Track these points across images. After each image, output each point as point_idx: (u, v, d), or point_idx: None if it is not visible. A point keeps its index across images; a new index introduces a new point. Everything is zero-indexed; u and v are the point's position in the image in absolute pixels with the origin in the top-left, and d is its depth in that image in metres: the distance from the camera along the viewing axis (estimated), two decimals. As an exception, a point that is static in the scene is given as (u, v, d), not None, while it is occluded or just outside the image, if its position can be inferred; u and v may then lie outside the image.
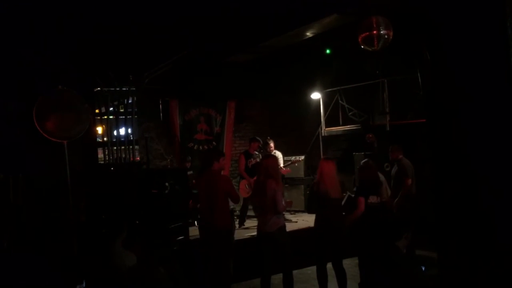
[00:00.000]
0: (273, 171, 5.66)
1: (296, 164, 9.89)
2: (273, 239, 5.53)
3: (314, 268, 5.98)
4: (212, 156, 6.14)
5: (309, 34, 7.96)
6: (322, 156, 9.90)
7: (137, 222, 5.72)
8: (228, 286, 6.00)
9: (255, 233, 7.70)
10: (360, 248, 5.56)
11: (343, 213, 5.78)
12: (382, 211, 5.81)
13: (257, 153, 8.97)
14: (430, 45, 4.66)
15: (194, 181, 8.59)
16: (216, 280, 5.96)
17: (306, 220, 8.77)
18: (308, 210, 5.80)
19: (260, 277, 5.73)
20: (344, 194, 9.18)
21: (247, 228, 8.49)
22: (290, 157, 10.22)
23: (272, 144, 9.26)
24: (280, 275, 5.77)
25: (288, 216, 8.85)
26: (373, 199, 5.78)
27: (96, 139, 8.06)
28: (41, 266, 5.53)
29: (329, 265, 5.82)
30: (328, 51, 10.09)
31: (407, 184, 7.24)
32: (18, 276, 5.31)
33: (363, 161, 7.05)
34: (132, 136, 8.25)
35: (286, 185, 9.56)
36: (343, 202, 6.28)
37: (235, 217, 8.53)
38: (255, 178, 8.69)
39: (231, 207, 8.81)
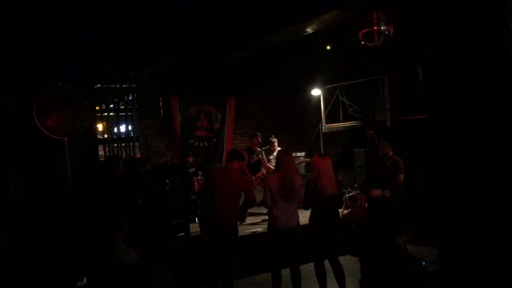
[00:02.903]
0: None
1: (304, 164, 9.90)
2: (294, 233, 5.55)
3: (313, 264, 5.98)
4: (235, 155, 6.11)
5: (309, 30, 7.95)
6: (316, 153, 9.89)
7: (138, 218, 5.72)
8: (230, 283, 6.00)
9: (256, 230, 7.75)
10: (361, 244, 5.57)
11: (339, 209, 5.76)
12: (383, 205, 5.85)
13: (259, 149, 8.97)
14: (431, 41, 4.65)
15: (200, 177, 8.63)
16: (219, 277, 5.95)
17: (305, 217, 8.77)
18: (304, 207, 5.78)
19: (271, 272, 5.70)
20: (344, 191, 9.22)
21: (248, 224, 8.49)
22: (296, 154, 10.16)
23: (275, 142, 9.25)
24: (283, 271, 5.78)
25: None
26: (375, 192, 5.81)
27: (97, 136, 8.06)
28: (41, 263, 5.53)
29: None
30: (328, 47, 10.09)
31: (400, 179, 7.32)
32: (18, 273, 5.30)
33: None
34: (133, 133, 8.26)
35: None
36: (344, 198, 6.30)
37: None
38: (258, 174, 8.78)
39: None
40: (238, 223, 8.26)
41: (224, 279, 5.93)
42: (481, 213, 4.29)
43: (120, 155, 8.07)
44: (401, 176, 7.37)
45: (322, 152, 10.67)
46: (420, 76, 4.94)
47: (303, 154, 10.28)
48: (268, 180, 5.64)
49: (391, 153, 7.59)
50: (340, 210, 6.63)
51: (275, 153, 9.06)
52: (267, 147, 9.25)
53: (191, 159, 9.13)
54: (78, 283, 4.60)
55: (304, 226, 5.87)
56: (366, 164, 9.13)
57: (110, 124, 8.15)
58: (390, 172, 7.45)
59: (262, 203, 6.08)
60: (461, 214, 4.47)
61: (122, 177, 5.83)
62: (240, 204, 8.77)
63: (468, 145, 4.38)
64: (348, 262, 5.96)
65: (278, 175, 5.57)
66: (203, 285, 6.07)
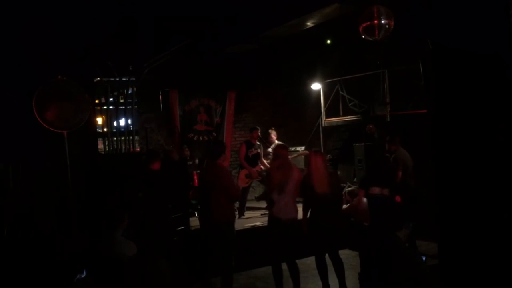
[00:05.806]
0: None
1: (303, 157, 9.90)
2: (291, 225, 5.58)
3: (313, 258, 5.99)
4: (220, 149, 6.08)
5: (310, 24, 7.93)
6: (312, 149, 9.88)
7: (138, 211, 5.72)
8: (229, 277, 6.01)
9: (255, 224, 7.77)
10: (361, 238, 5.57)
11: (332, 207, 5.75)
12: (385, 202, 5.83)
13: (258, 143, 8.96)
14: (432, 35, 4.64)
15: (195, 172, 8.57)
16: (217, 271, 5.97)
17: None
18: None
19: (272, 266, 5.74)
20: (343, 185, 9.20)
21: (247, 218, 8.50)
22: (295, 148, 10.15)
23: (272, 134, 9.23)
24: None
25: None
26: (374, 190, 5.78)
27: (96, 130, 8.05)
28: (40, 255, 5.54)
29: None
30: (328, 41, 10.07)
31: (398, 176, 7.27)
32: (17, 264, 5.32)
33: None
34: (132, 127, 8.24)
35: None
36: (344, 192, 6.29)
37: (235, 208, 8.53)
38: (257, 168, 8.78)
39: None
40: (237, 217, 8.32)
41: (223, 273, 5.95)
42: (481, 211, 4.29)
43: (119, 148, 8.06)
44: (399, 173, 7.30)
45: (322, 146, 10.68)
46: (421, 70, 4.93)
47: (302, 148, 10.27)
48: (270, 176, 5.75)
49: (394, 147, 7.52)
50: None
51: (273, 146, 9.06)
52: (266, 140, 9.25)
53: (187, 151, 9.11)
54: (78, 276, 4.62)
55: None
56: (366, 159, 9.12)
57: (110, 117, 8.13)
58: (392, 168, 7.41)
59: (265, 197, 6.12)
60: (461, 211, 4.48)
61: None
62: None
63: (469, 142, 4.38)
64: (347, 256, 5.98)
65: (275, 169, 5.68)
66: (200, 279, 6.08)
